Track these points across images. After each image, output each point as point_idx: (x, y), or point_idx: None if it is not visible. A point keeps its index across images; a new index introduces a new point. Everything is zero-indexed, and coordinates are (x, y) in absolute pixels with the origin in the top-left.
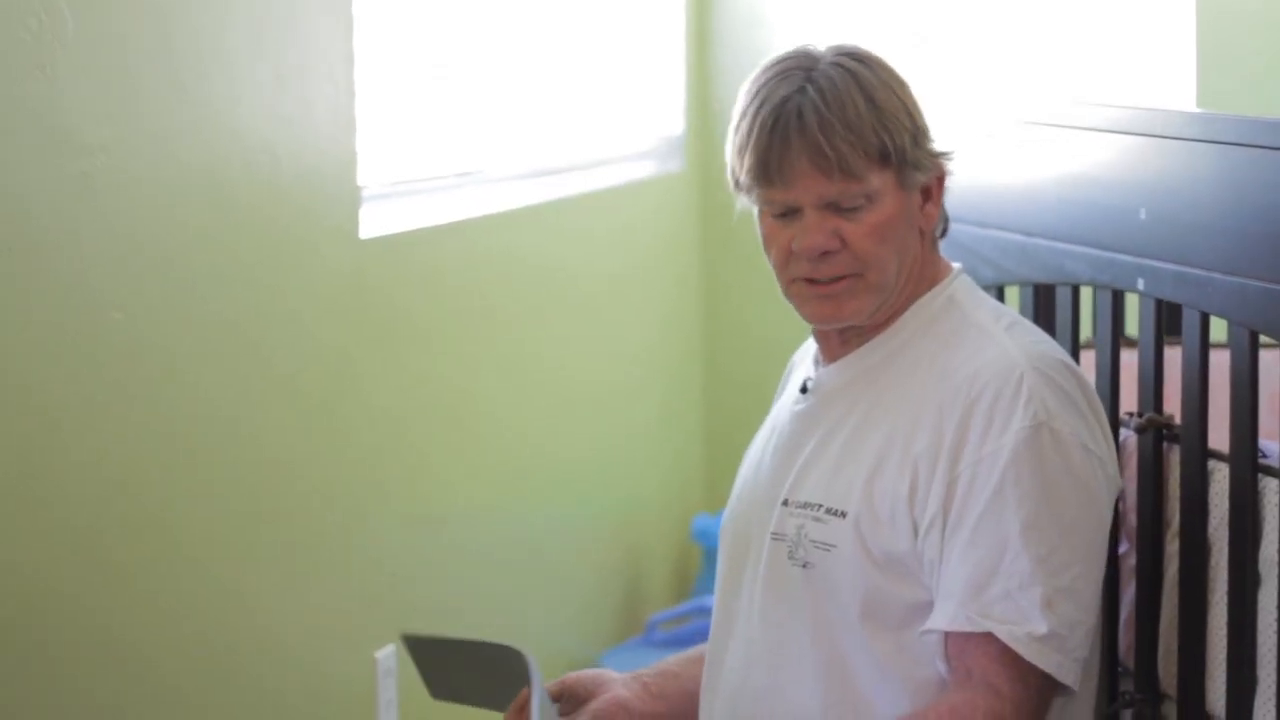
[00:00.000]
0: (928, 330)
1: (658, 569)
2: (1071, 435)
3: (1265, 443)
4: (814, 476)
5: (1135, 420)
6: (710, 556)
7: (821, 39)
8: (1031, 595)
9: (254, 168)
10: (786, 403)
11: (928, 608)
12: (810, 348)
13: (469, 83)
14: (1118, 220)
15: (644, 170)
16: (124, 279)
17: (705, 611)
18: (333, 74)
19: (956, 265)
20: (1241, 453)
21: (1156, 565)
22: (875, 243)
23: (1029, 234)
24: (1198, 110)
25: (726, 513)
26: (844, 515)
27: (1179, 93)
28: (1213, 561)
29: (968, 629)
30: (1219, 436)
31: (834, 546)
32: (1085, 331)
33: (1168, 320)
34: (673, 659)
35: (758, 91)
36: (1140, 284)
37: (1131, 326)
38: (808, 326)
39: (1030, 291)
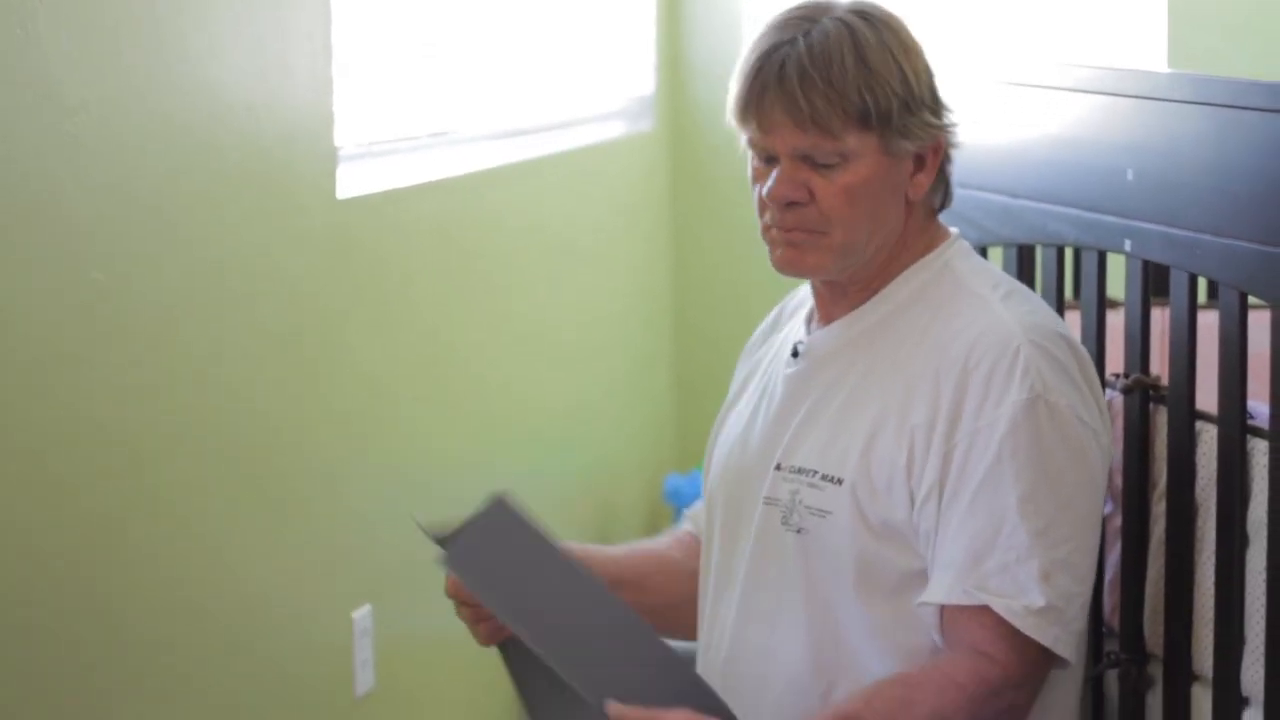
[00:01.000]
0: (922, 297)
1: (629, 529)
2: (1067, 408)
3: (1253, 404)
4: (808, 442)
5: (1121, 381)
6: (681, 516)
7: None
8: (1029, 568)
9: (235, 127)
10: (778, 365)
11: (921, 575)
12: (804, 302)
13: (441, 43)
14: (1104, 181)
15: (615, 130)
16: (106, 239)
17: None
18: (311, 33)
19: (954, 231)
20: (1231, 414)
21: (1142, 526)
22: (843, 202)
23: (1013, 195)
24: (1187, 72)
25: (715, 473)
26: (840, 482)
27: (1149, 50)
28: (1200, 522)
29: (965, 602)
30: (1204, 398)
31: (829, 513)
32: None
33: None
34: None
35: (759, 37)
36: (1127, 245)
37: (1111, 288)
38: (779, 284)
39: (1014, 252)
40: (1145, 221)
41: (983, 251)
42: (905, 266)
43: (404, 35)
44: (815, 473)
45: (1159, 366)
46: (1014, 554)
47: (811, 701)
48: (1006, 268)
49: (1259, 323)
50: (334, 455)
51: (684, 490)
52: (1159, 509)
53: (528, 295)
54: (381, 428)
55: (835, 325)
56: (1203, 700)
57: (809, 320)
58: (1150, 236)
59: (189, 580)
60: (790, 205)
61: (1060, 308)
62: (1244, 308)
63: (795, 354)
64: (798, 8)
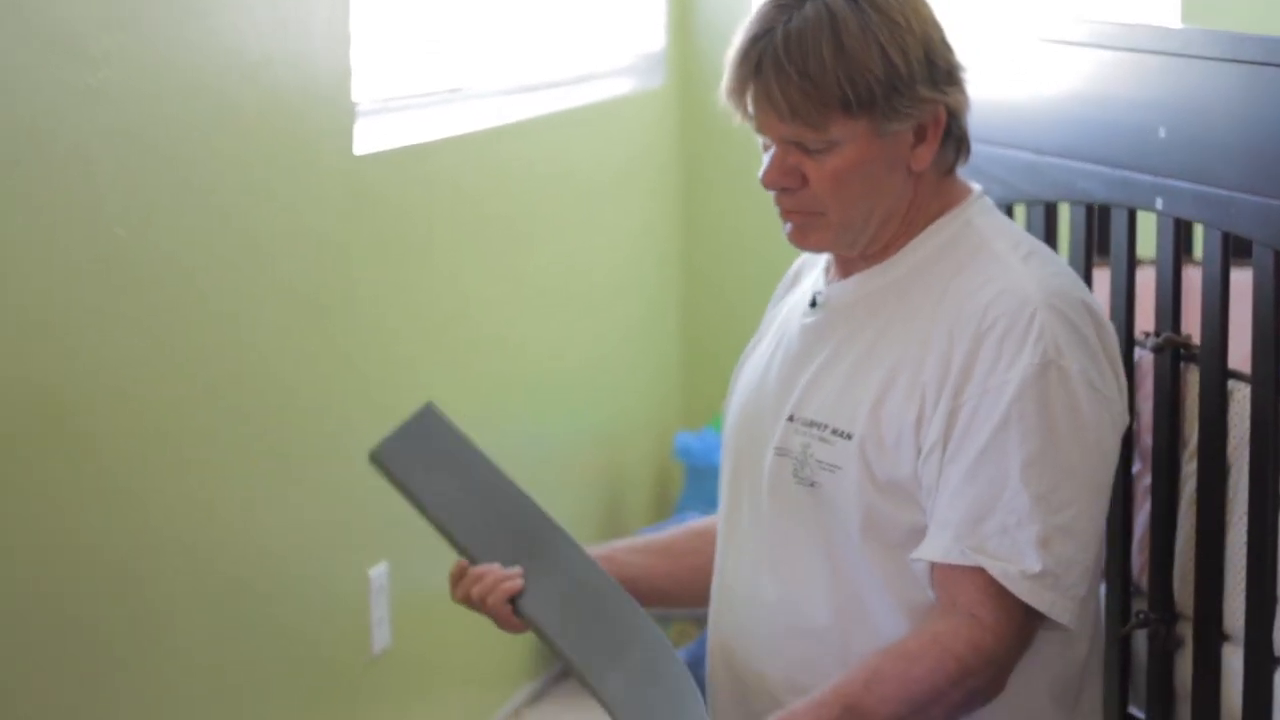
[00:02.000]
0: (941, 254)
1: (639, 486)
2: (1079, 374)
3: None
4: (820, 395)
5: (1152, 340)
6: (693, 474)
7: None
8: (1028, 532)
9: (254, 83)
10: (795, 314)
11: (925, 531)
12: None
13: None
14: (1135, 139)
15: (626, 85)
16: (128, 193)
17: None
18: None
19: (975, 187)
20: (1265, 373)
21: (1172, 485)
22: (835, 186)
23: (1040, 152)
24: (1221, 30)
25: (730, 421)
26: (850, 437)
27: (1163, 5)
28: (1231, 481)
29: (960, 562)
30: (1235, 356)
31: (839, 468)
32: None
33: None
34: (611, 547)
35: (748, 21)
36: (1158, 203)
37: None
38: (785, 241)
39: (1040, 210)
40: (1177, 179)
41: (1008, 209)
42: (922, 228)
43: None
44: (826, 427)
45: (1186, 325)
46: (1014, 518)
47: (829, 650)
48: (1032, 225)
49: None
50: (351, 411)
51: (694, 448)
52: (1189, 468)
53: (540, 251)
54: (398, 383)
55: (853, 279)
56: (1233, 660)
57: (827, 270)
58: (1182, 194)
59: (205, 537)
60: (784, 190)
61: (1088, 265)
62: (1279, 265)
63: (813, 304)
64: None
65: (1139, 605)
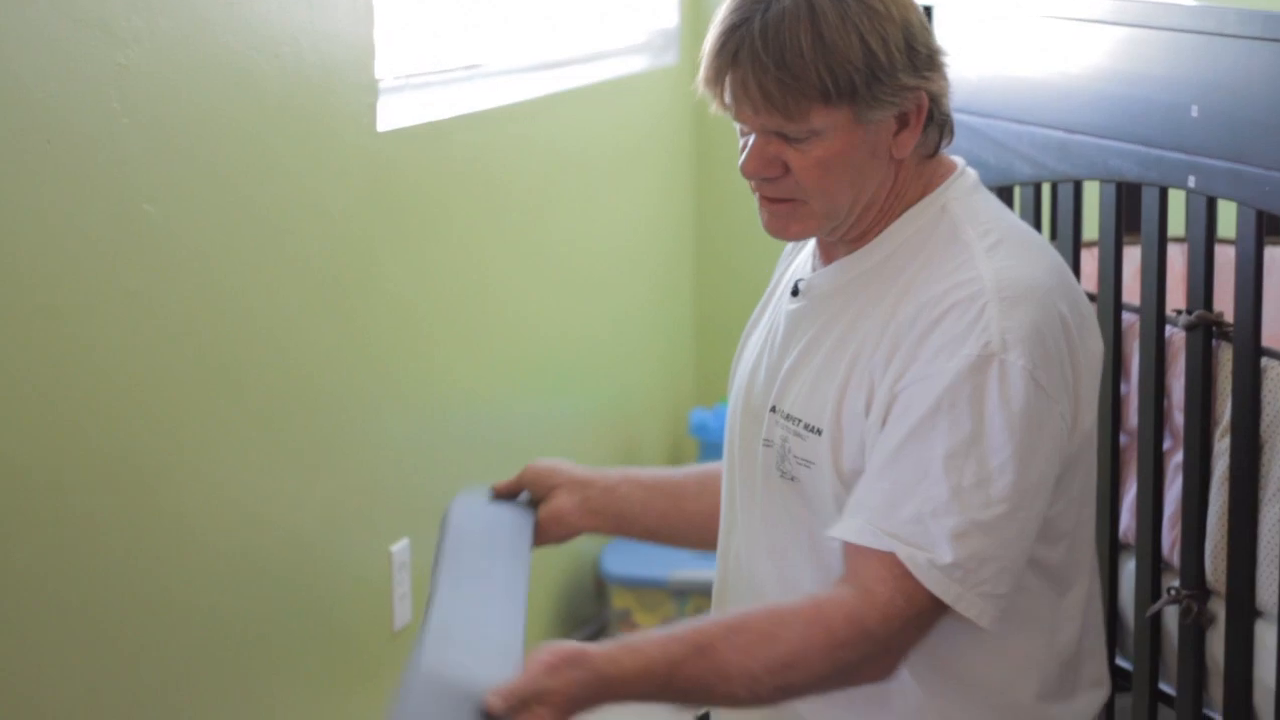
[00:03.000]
0: (913, 242)
1: (654, 462)
2: (1023, 370)
3: None
4: (796, 387)
5: (1184, 318)
6: (707, 450)
7: None
8: (944, 524)
9: (277, 60)
10: (783, 301)
11: None
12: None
13: None
14: (1167, 117)
15: (639, 63)
16: (156, 170)
17: None
18: None
19: (958, 163)
20: None
21: (1204, 462)
22: (818, 175)
23: (1070, 130)
24: (1255, 9)
25: (731, 404)
26: (820, 433)
27: None
28: (1265, 458)
29: (872, 544)
30: (1268, 334)
31: (813, 463)
32: (1086, 231)
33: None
34: (622, 476)
35: (723, 12)
36: (1191, 181)
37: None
38: None
39: (1070, 188)
40: (1210, 158)
41: (1036, 188)
42: (900, 213)
43: None
44: (800, 422)
45: (1218, 302)
46: (930, 506)
47: None
48: (1061, 203)
49: None
50: (372, 388)
51: (710, 424)
52: (1222, 445)
53: (555, 227)
54: (418, 360)
55: (834, 266)
56: (1266, 636)
57: (813, 256)
58: (1216, 173)
59: (227, 516)
60: (765, 179)
61: (1119, 244)
62: None
63: (795, 292)
64: None
65: (1170, 581)
